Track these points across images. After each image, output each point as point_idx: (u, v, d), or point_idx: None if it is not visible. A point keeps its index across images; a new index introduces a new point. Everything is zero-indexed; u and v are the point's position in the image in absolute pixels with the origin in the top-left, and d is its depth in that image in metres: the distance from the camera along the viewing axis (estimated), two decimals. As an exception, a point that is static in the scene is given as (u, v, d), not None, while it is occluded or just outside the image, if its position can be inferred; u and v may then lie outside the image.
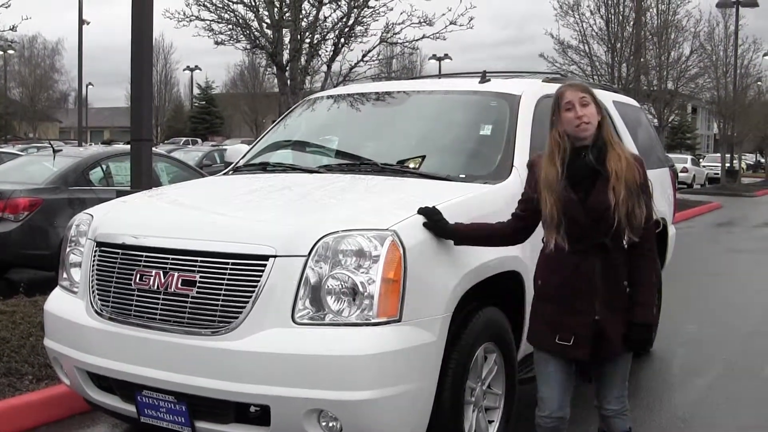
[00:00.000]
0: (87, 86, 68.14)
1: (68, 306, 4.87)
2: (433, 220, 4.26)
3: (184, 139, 57.41)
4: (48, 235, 10.13)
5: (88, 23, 42.24)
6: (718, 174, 46.27)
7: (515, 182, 5.13)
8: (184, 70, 76.74)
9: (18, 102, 61.82)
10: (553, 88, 6.34)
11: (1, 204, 10.26)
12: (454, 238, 4.30)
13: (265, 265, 4.09)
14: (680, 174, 41.04)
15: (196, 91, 77.18)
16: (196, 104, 76.55)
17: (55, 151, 11.90)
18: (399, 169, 5.44)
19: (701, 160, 54.57)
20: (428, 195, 4.70)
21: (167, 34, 72.71)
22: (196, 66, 76.78)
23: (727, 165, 45.52)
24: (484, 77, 6.25)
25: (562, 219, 3.93)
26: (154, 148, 10.29)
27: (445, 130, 6.02)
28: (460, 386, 4.42)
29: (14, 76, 64.10)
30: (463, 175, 5.24)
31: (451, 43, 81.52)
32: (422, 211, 4.28)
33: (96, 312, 4.59)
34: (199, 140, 56.54)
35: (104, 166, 11.52)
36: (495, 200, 4.92)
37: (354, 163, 5.74)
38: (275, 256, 4.09)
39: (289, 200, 5.05)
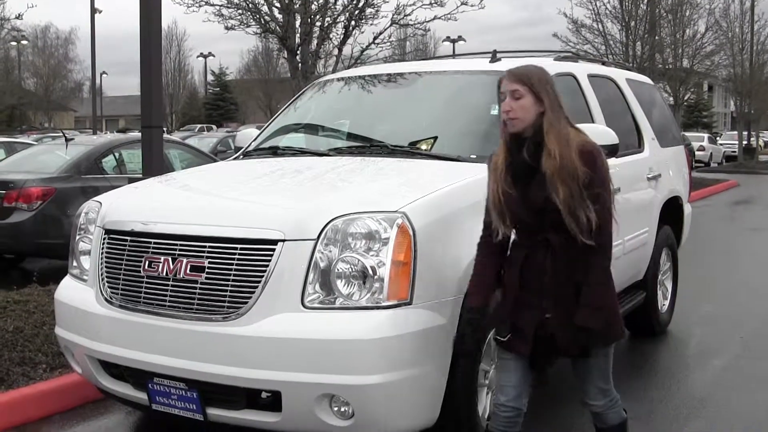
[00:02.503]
0: (101, 75, 68.47)
1: (78, 294, 4.86)
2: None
3: (199, 126, 57.46)
4: (61, 224, 10.12)
5: (100, 12, 42.28)
6: (735, 152, 45.97)
7: (526, 162, 5.08)
8: (197, 57, 76.89)
9: (32, 92, 62.01)
10: (564, 66, 6.37)
11: (14, 194, 10.29)
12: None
13: (273, 250, 4.05)
14: (697, 152, 40.89)
15: (210, 77, 77.31)
16: (211, 91, 76.66)
17: (67, 140, 11.91)
18: (409, 151, 5.39)
19: (718, 138, 54.22)
20: (438, 176, 4.66)
21: (180, 21, 72.80)
22: (210, 53, 76.95)
23: (745, 143, 45.21)
24: (494, 57, 6.18)
25: (504, 209, 3.73)
26: (167, 135, 10.28)
27: (455, 110, 5.96)
28: (473, 369, 4.37)
29: (28, 67, 64.30)
30: (474, 156, 5.18)
31: (467, 25, 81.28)
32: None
33: (106, 300, 4.57)
34: (214, 127, 56.64)
35: (117, 154, 11.53)
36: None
37: (364, 146, 5.70)
38: (284, 240, 4.05)
39: (298, 184, 5.01)
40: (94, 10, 38.76)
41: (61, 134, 14.42)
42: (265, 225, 4.14)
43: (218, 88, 74.81)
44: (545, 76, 3.76)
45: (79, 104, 73.71)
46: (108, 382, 4.77)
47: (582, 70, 6.60)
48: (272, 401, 4.10)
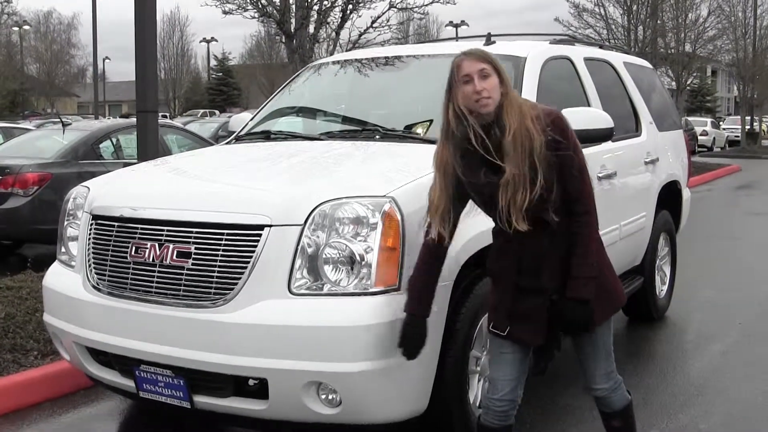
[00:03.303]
0: (104, 60, 68.39)
1: (66, 280, 4.81)
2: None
3: (202, 111, 57.36)
4: (58, 210, 9.96)
5: (101, -4, 42.09)
6: (738, 137, 45.85)
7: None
8: (200, 42, 76.56)
9: (35, 78, 61.92)
10: (560, 50, 6.29)
11: (10, 179, 10.24)
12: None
13: (260, 235, 3.99)
14: (700, 137, 40.79)
15: (212, 62, 77.10)
16: (213, 76, 76.47)
17: (64, 125, 11.85)
18: (401, 135, 5.33)
19: (721, 122, 54.06)
20: (429, 160, 4.57)
21: (183, 6, 72.67)
22: (213, 38, 76.50)
23: (747, 127, 45.07)
24: (488, 39, 6.11)
25: (483, 203, 3.67)
26: (167, 120, 10.21)
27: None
28: (464, 355, 4.33)
29: (30, 52, 64.14)
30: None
31: (473, 10, 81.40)
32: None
33: (93, 286, 4.52)
34: (217, 112, 56.52)
35: (114, 139, 11.47)
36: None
37: (356, 129, 5.64)
38: (270, 226, 3.99)
39: (286, 168, 4.94)
40: (95, -5, 38.62)
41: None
42: (252, 210, 4.08)
43: (221, 73, 74.64)
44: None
45: (82, 90, 73.55)
46: (96, 370, 4.72)
47: (578, 53, 6.52)
48: (259, 389, 4.05)
